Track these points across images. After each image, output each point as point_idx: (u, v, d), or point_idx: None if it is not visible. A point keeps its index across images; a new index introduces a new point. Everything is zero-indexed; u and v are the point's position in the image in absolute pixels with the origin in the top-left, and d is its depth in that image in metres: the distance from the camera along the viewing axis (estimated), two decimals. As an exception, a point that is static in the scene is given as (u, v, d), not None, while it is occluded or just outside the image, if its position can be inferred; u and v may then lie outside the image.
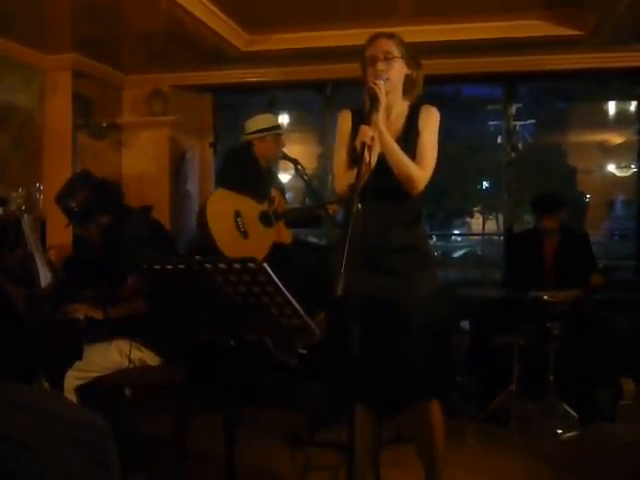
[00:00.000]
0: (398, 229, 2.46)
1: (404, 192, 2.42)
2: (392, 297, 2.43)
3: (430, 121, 2.50)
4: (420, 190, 2.43)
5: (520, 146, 5.80)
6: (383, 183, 2.38)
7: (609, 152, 8.43)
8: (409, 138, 2.47)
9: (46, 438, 1.18)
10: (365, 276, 2.39)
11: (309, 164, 6.07)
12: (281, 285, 1.78)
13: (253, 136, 4.18)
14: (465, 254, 10.80)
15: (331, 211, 4.08)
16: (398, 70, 2.47)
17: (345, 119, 2.58)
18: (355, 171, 2.20)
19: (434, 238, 11.34)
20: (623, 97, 7.05)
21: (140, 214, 3.43)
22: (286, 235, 4.25)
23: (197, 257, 1.85)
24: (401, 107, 2.54)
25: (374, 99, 2.34)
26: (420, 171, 2.42)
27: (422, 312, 2.44)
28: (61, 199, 3.28)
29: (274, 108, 5.66)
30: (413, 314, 2.43)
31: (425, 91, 2.62)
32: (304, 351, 3.86)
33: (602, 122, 8.25)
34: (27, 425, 1.19)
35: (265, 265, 1.77)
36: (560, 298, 3.72)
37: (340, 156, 2.54)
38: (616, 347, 4.08)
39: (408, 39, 2.55)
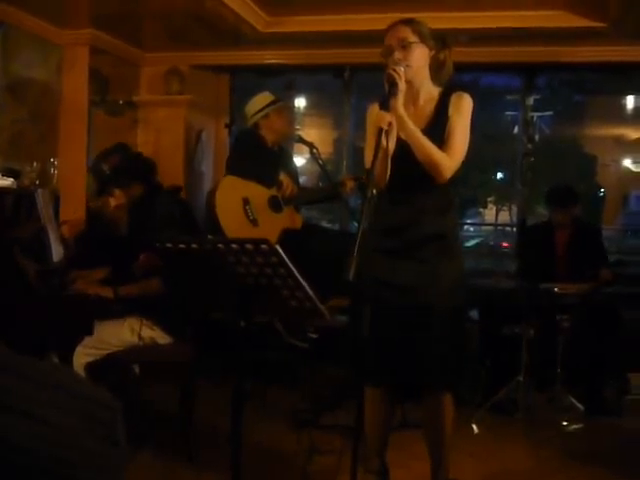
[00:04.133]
0: (428, 217, 2.44)
1: (432, 179, 2.39)
2: (415, 285, 2.42)
3: (461, 108, 2.44)
4: (446, 178, 2.39)
5: (537, 137, 5.75)
6: (411, 170, 2.36)
7: (625, 146, 8.35)
8: (438, 124, 2.42)
9: (61, 412, 1.19)
10: (391, 262, 2.39)
11: (325, 148, 6.06)
12: (293, 267, 1.79)
13: (256, 117, 4.16)
14: (477, 244, 10.77)
15: (348, 188, 4.07)
16: (418, 55, 2.42)
17: (373, 110, 2.52)
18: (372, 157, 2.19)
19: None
20: (642, 91, 6.97)
21: (170, 193, 3.43)
22: (297, 220, 4.25)
23: (210, 237, 1.85)
24: (431, 92, 2.50)
25: (393, 85, 2.31)
26: (446, 158, 2.37)
27: (444, 302, 2.43)
28: (94, 165, 3.30)
29: (291, 91, 5.64)
30: (435, 303, 2.42)
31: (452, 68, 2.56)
32: (315, 335, 3.88)
33: (620, 116, 8.18)
34: (42, 399, 1.20)
35: (277, 247, 1.77)
36: (571, 291, 3.71)
37: (369, 149, 2.50)
38: (625, 341, 4.07)
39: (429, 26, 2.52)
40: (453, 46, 2.56)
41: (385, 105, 2.35)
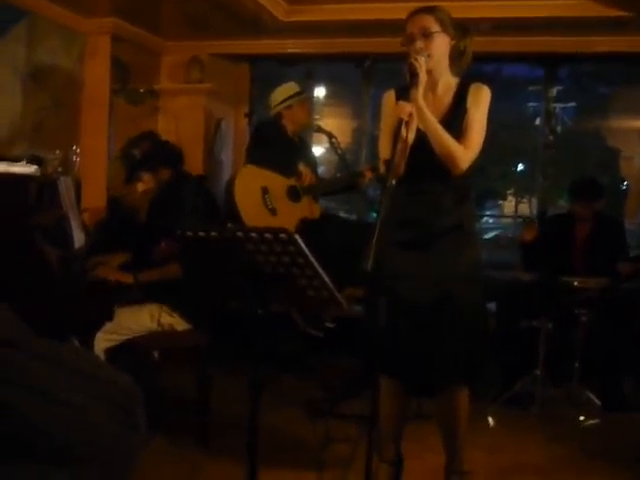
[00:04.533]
0: (444, 208, 2.42)
1: (449, 171, 2.38)
2: (435, 276, 2.41)
3: (480, 100, 2.42)
4: (462, 170, 2.37)
5: (559, 129, 5.69)
6: (428, 162, 2.35)
7: (650, 139, 8.22)
8: (456, 115, 2.41)
9: (83, 396, 1.21)
10: (407, 255, 2.39)
11: (344, 138, 6.04)
12: (311, 257, 1.79)
13: (280, 106, 4.18)
14: (496, 236, 10.70)
15: (367, 179, 4.08)
16: (439, 44, 2.40)
17: (389, 98, 2.53)
18: (392, 147, 2.19)
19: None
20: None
21: (197, 181, 3.47)
22: (315, 210, 4.26)
23: (230, 225, 1.86)
24: (449, 82, 2.48)
25: (414, 75, 2.29)
26: (463, 150, 2.36)
27: (461, 294, 2.41)
28: (125, 151, 3.34)
29: (311, 80, 5.63)
30: (452, 295, 2.40)
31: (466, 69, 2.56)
32: (331, 325, 3.89)
33: (645, 108, 8.04)
34: (66, 382, 1.22)
35: (296, 236, 1.78)
36: (591, 284, 3.67)
37: (385, 136, 2.50)
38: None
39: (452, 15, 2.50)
40: (475, 35, 2.54)
41: (402, 94, 2.34)
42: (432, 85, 2.44)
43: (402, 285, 2.42)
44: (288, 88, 4.27)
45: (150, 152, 3.25)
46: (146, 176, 3.27)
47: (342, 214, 6.84)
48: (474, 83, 2.46)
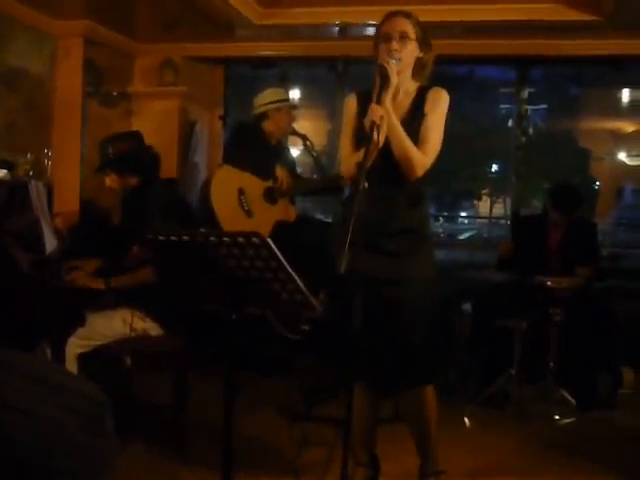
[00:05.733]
0: (399, 211, 2.45)
1: (404, 175, 2.40)
2: (388, 279, 2.44)
3: (437, 104, 2.45)
4: (418, 176, 2.39)
5: (531, 131, 5.76)
6: (387, 165, 2.36)
7: (621, 140, 8.36)
8: (414, 120, 2.43)
9: (48, 406, 1.20)
10: (364, 256, 2.40)
11: (318, 140, 6.05)
12: (284, 260, 1.79)
13: (269, 107, 4.18)
14: (472, 236, 10.79)
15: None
16: (411, 51, 2.44)
17: (350, 102, 2.57)
18: (363, 150, 2.19)
19: (441, 220, 11.32)
20: (637, 85, 6.97)
21: (165, 185, 3.43)
22: (291, 212, 4.26)
23: (202, 229, 1.85)
24: (409, 88, 2.50)
25: (384, 77, 2.31)
26: (421, 156, 2.38)
27: (416, 296, 2.44)
28: (102, 142, 3.29)
29: (285, 83, 5.63)
30: (407, 297, 2.44)
31: (438, 71, 2.57)
32: (307, 327, 3.89)
33: (615, 109, 8.18)
34: (29, 393, 1.20)
35: (268, 240, 1.77)
36: (564, 284, 3.71)
37: (346, 138, 2.53)
38: (618, 335, 4.08)
39: (423, 18, 2.52)
40: (448, 38, 2.57)
41: (364, 98, 2.36)
42: (394, 91, 2.46)
43: (359, 286, 2.42)
44: (279, 92, 4.33)
45: (122, 156, 3.20)
46: (113, 175, 3.23)
47: (318, 216, 6.85)
48: (433, 87, 2.49)
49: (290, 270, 1.80)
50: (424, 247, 2.52)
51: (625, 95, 8.04)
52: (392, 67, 2.32)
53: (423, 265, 2.49)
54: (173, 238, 1.93)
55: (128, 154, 3.21)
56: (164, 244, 1.96)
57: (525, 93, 5.23)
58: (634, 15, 4.02)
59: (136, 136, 3.39)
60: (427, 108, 2.44)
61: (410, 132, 2.38)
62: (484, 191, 12.29)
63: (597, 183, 9.03)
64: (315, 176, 4.97)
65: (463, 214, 12.59)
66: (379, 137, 2.23)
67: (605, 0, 4.01)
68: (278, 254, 1.78)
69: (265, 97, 4.24)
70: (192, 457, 3.01)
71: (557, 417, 3.68)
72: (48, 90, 4.67)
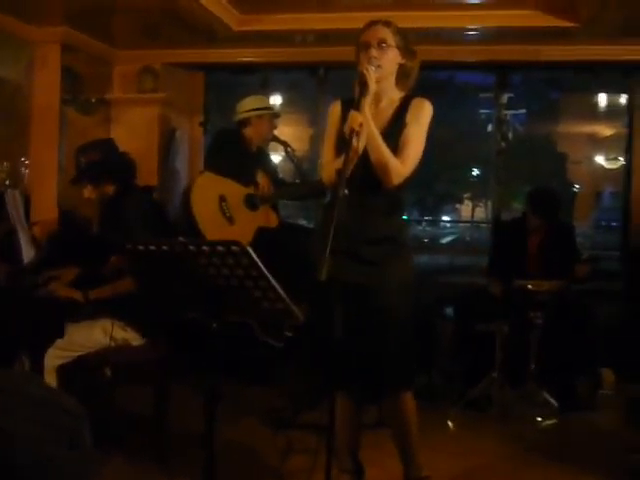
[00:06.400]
0: (376, 219, 2.46)
1: (382, 182, 2.40)
2: (365, 286, 2.44)
3: (419, 114, 2.45)
4: (394, 185, 2.40)
5: (510, 135, 5.79)
6: (367, 172, 2.37)
7: (598, 144, 8.44)
8: (395, 129, 2.44)
9: (23, 422, 1.18)
10: (343, 263, 2.39)
11: (300, 146, 6.05)
12: (264, 269, 1.78)
13: (251, 113, 4.19)
14: (453, 240, 10.82)
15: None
16: (391, 58, 2.45)
17: (335, 109, 2.57)
18: (343, 157, 2.20)
19: (423, 224, 11.35)
20: (614, 90, 7.05)
21: (142, 193, 3.39)
22: (272, 219, 4.26)
23: (181, 239, 1.84)
24: (393, 97, 2.51)
25: (363, 84, 2.32)
26: (399, 165, 2.38)
27: (392, 303, 2.45)
28: (76, 153, 3.25)
29: (266, 89, 5.62)
30: (384, 304, 2.44)
31: (418, 76, 2.59)
32: (290, 333, 3.87)
33: (592, 114, 8.25)
34: (5, 408, 1.19)
35: (248, 248, 1.77)
36: (544, 288, 3.74)
37: (329, 145, 2.53)
38: (597, 337, 4.12)
39: (403, 24, 2.53)
40: (428, 44, 2.58)
41: (348, 105, 2.36)
42: (377, 99, 2.47)
43: (337, 293, 2.41)
44: (263, 99, 4.39)
45: (95, 165, 3.15)
46: (89, 186, 3.19)
47: (301, 221, 6.84)
48: (416, 97, 2.50)
49: (271, 278, 1.80)
50: (402, 254, 2.52)
51: (602, 100, 8.12)
52: (371, 74, 2.33)
53: (401, 272, 2.49)
54: (152, 248, 1.91)
55: (100, 162, 3.17)
56: (143, 254, 1.95)
57: (504, 98, 5.27)
58: (609, 22, 4.08)
59: (107, 143, 3.36)
60: (408, 118, 2.45)
61: (390, 141, 2.38)
62: (466, 195, 12.36)
63: (576, 186, 9.12)
64: (298, 181, 4.97)
65: (445, 218, 12.64)
66: (358, 144, 2.23)
67: (581, 7, 4.05)
68: (258, 262, 1.77)
69: (247, 104, 4.24)
70: (174, 468, 2.97)
71: (539, 419, 3.71)
72: (25, 98, 4.62)
